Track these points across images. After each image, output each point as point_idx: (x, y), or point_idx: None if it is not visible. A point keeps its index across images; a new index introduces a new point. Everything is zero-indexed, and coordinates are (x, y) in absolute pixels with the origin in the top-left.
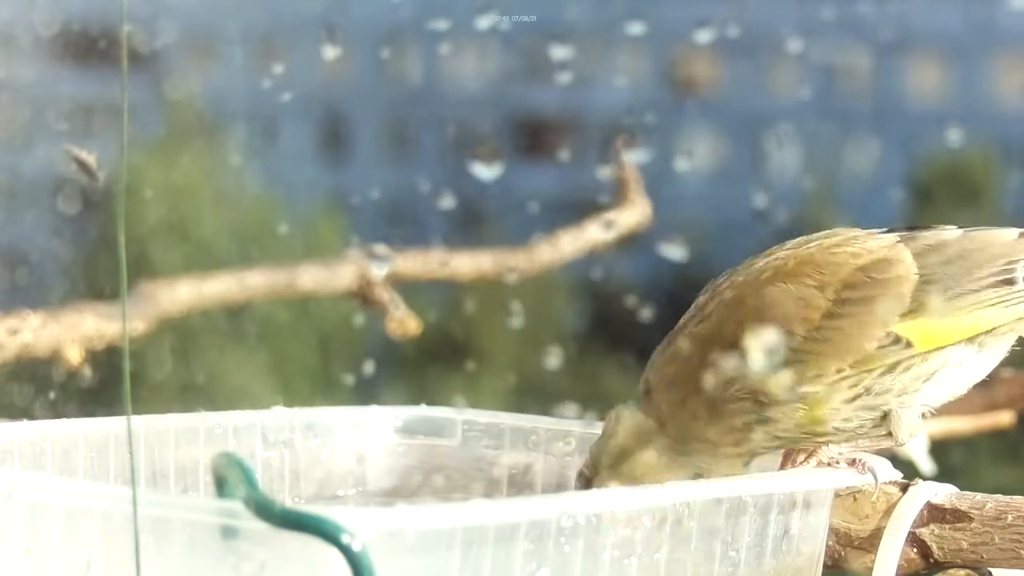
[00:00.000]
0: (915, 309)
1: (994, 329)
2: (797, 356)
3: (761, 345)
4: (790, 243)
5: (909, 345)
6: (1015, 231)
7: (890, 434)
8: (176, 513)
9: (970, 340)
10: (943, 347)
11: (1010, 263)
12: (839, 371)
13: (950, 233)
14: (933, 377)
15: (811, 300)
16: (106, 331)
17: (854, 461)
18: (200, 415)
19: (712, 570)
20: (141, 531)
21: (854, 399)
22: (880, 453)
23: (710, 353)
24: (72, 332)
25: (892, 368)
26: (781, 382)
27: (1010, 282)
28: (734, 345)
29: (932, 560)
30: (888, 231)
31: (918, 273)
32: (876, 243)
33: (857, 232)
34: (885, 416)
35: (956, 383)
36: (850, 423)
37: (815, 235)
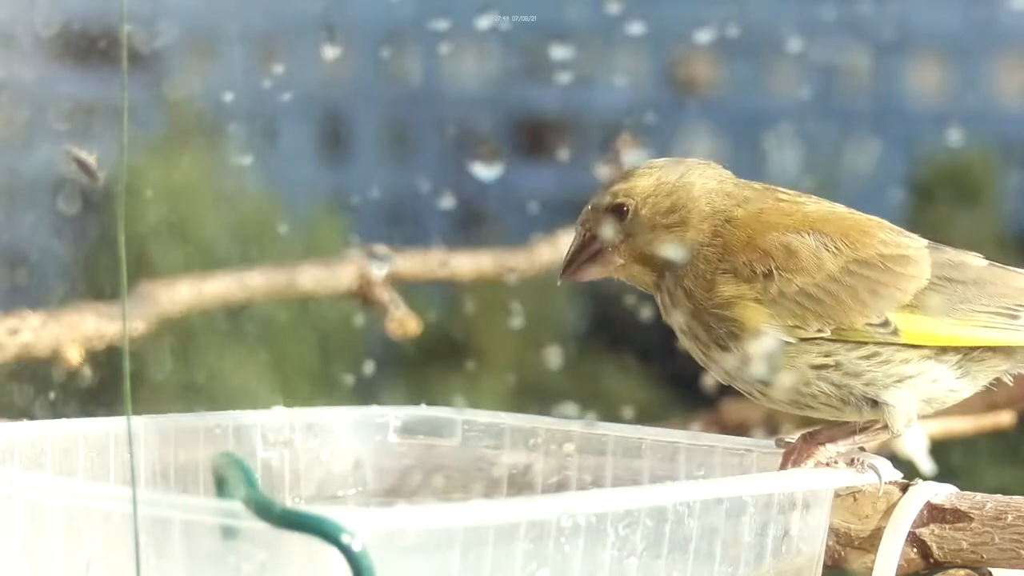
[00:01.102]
0: (914, 305)
1: (978, 353)
2: (784, 301)
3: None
4: (831, 204)
5: (895, 332)
6: None
7: (886, 426)
8: (176, 513)
9: (952, 362)
10: (925, 348)
11: (1019, 305)
12: (819, 331)
13: (976, 260)
14: (905, 382)
15: (822, 259)
16: (106, 331)
17: (852, 460)
18: (200, 415)
19: (712, 570)
20: (141, 531)
21: (821, 367)
22: (881, 452)
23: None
24: (72, 332)
25: (870, 356)
26: (757, 319)
27: (1012, 316)
28: (738, 271)
29: (932, 560)
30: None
31: (930, 280)
32: (906, 240)
33: (896, 229)
34: (844, 401)
35: (925, 398)
36: (808, 390)
37: (861, 214)
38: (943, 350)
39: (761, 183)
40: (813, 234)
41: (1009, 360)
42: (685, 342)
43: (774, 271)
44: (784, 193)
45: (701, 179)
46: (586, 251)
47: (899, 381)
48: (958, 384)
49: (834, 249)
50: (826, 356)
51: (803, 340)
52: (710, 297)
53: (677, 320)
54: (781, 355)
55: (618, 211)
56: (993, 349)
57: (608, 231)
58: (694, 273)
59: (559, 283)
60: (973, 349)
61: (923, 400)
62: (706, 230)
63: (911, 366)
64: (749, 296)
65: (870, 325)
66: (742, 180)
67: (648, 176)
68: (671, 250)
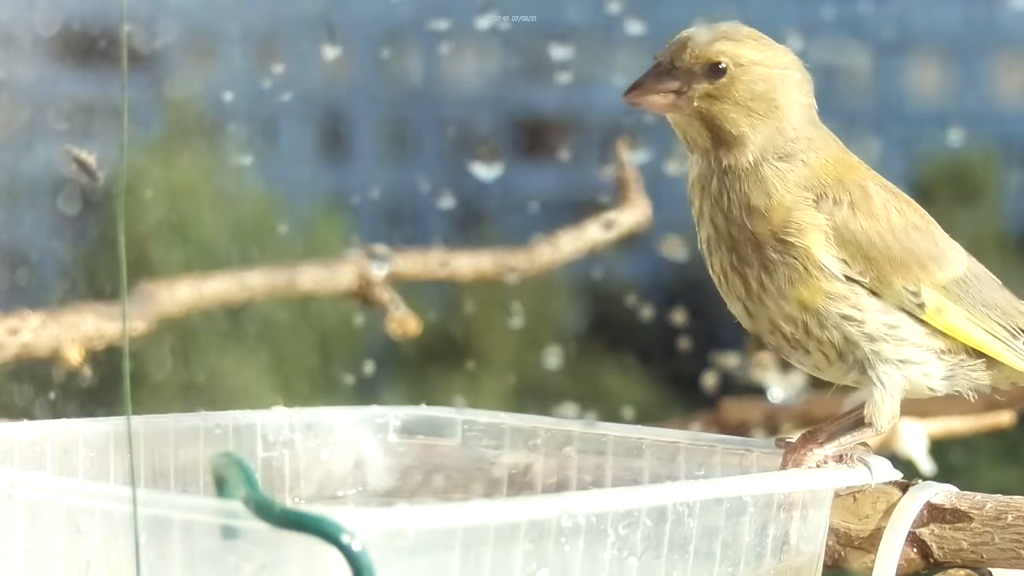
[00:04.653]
0: (946, 288)
1: (972, 362)
2: (845, 233)
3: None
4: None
5: (921, 307)
6: None
7: (870, 423)
8: (176, 513)
9: (950, 362)
10: (936, 341)
11: (1021, 329)
12: (860, 273)
13: (995, 280)
14: (907, 364)
15: (890, 212)
16: (106, 331)
17: (841, 457)
18: (200, 415)
19: (712, 570)
20: (141, 531)
21: (847, 318)
22: (881, 452)
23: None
24: (72, 332)
25: (892, 327)
26: (817, 242)
27: (1013, 336)
28: (813, 193)
29: (932, 560)
30: None
31: (965, 273)
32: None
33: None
34: (841, 356)
35: (908, 387)
36: (822, 332)
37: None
38: (946, 350)
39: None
40: (887, 191)
41: (992, 374)
42: (707, 230)
43: (846, 204)
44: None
45: (798, 87)
46: (660, 82)
47: (901, 361)
48: (940, 384)
49: (899, 209)
50: (856, 309)
51: (848, 279)
52: (779, 218)
53: (713, 211)
54: (825, 288)
55: (715, 67)
56: (985, 360)
57: (694, 79)
58: (765, 189)
59: (622, 98)
60: (969, 356)
61: (905, 389)
62: (782, 140)
63: (919, 352)
64: (819, 223)
65: (905, 289)
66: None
67: (757, 49)
68: (745, 131)
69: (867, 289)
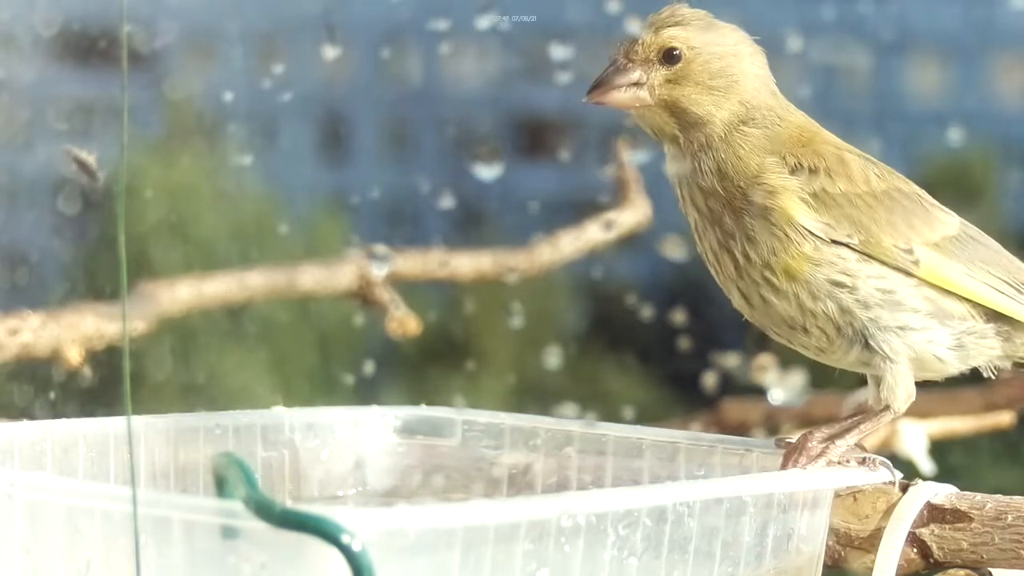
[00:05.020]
0: (939, 246)
1: (979, 328)
2: (826, 198)
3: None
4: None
5: (917, 263)
6: None
7: (888, 407)
8: (176, 513)
9: (955, 329)
10: (935, 303)
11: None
12: (848, 236)
13: (995, 243)
14: (906, 331)
15: (869, 177)
16: (106, 331)
17: (864, 460)
18: (200, 415)
19: (712, 570)
20: (141, 531)
21: (837, 284)
22: (881, 452)
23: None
24: (72, 332)
25: (886, 291)
26: (796, 208)
27: (1018, 290)
28: (786, 161)
29: (932, 560)
30: None
31: (958, 232)
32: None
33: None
34: (839, 330)
35: (916, 357)
36: (812, 305)
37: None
38: (951, 315)
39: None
40: (863, 158)
41: (1005, 344)
42: (692, 215)
43: (822, 170)
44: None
45: (751, 60)
46: (620, 77)
47: (900, 328)
48: (949, 355)
49: (878, 174)
50: (846, 275)
51: (832, 242)
52: (750, 181)
53: (692, 191)
54: (810, 255)
55: (669, 53)
56: (994, 326)
57: (652, 69)
58: (734, 153)
59: (583, 101)
60: (977, 322)
61: (913, 359)
62: (745, 111)
63: (917, 317)
64: (793, 186)
65: (896, 247)
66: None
67: (706, 29)
68: (709, 108)
69: (857, 252)
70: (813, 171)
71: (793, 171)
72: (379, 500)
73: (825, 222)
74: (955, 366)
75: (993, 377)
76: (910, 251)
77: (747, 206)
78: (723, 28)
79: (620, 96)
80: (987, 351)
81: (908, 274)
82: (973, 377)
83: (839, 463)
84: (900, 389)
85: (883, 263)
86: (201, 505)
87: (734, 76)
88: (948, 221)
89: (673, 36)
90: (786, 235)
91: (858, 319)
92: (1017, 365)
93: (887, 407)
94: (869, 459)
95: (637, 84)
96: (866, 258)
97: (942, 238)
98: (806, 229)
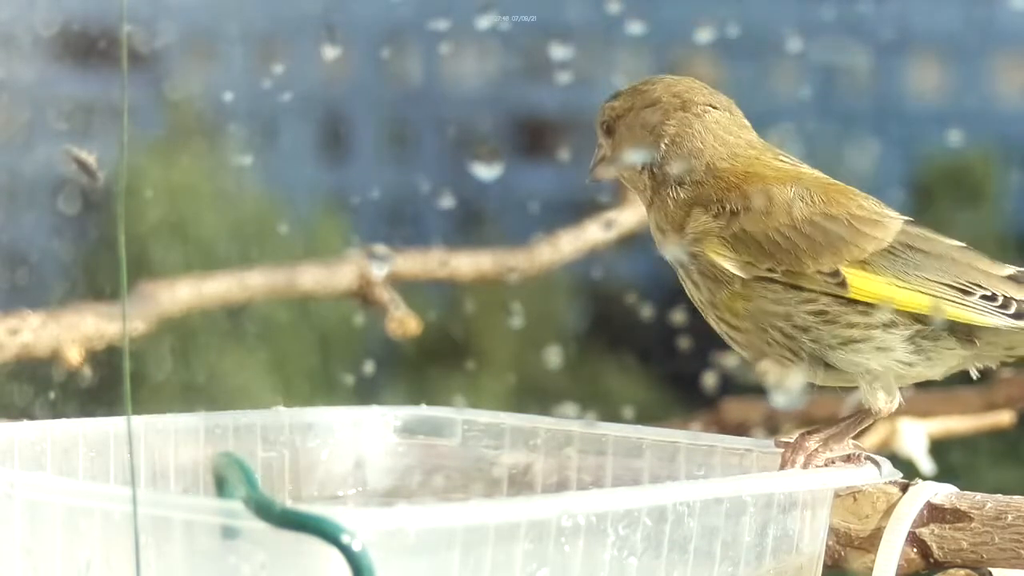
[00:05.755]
0: (867, 263)
1: (930, 331)
2: (745, 237)
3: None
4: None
5: (843, 284)
6: (1009, 269)
7: (869, 410)
8: (176, 513)
9: (903, 334)
10: (874, 315)
11: (975, 284)
12: (769, 270)
13: (951, 241)
14: (851, 346)
15: (792, 208)
16: (106, 331)
17: (849, 457)
18: (200, 415)
19: (712, 570)
20: (141, 531)
21: (773, 315)
22: (881, 452)
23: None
24: (72, 332)
25: (818, 313)
26: (715, 250)
27: (965, 292)
28: (708, 207)
29: (932, 560)
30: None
31: (891, 244)
32: (884, 211)
33: (883, 205)
34: (795, 353)
35: (881, 367)
36: (764, 335)
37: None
38: (892, 323)
39: (764, 143)
40: (795, 187)
41: (966, 346)
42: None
43: (741, 211)
44: (786, 157)
45: (684, 110)
46: (595, 156)
47: (844, 344)
48: (913, 359)
49: (808, 201)
50: (777, 304)
51: (757, 279)
52: (682, 228)
53: (660, 243)
54: (741, 292)
55: (606, 128)
56: (950, 328)
57: (600, 143)
58: (666, 209)
59: (587, 182)
60: (925, 324)
61: (872, 369)
62: (678, 163)
63: (856, 331)
64: (714, 230)
65: (820, 273)
66: (746, 129)
67: (632, 95)
68: (649, 171)
69: (781, 284)
70: (735, 213)
71: (716, 216)
72: (379, 500)
73: (746, 260)
74: (928, 370)
75: (978, 377)
76: (836, 273)
77: (679, 256)
78: (651, 87)
79: (602, 171)
80: (949, 354)
81: (837, 296)
82: (973, 377)
83: (833, 462)
84: (877, 394)
85: (811, 290)
86: (201, 505)
87: (657, 134)
88: (877, 235)
89: (605, 109)
90: (715, 278)
91: (804, 343)
92: (1003, 364)
93: (868, 410)
94: (855, 456)
95: (604, 159)
96: (792, 288)
97: (871, 254)
98: (728, 269)
